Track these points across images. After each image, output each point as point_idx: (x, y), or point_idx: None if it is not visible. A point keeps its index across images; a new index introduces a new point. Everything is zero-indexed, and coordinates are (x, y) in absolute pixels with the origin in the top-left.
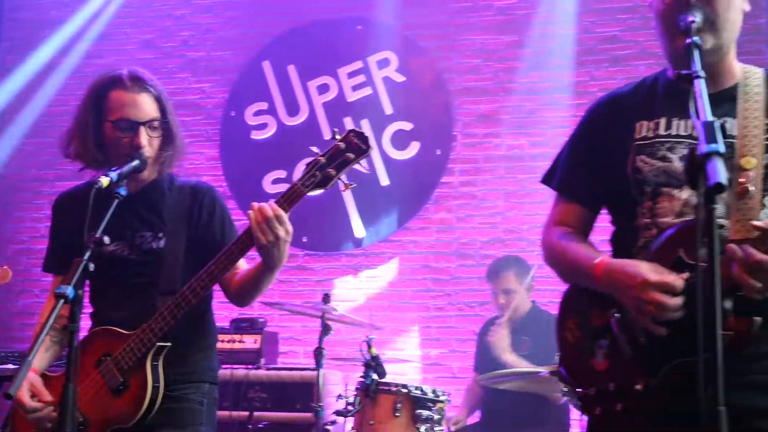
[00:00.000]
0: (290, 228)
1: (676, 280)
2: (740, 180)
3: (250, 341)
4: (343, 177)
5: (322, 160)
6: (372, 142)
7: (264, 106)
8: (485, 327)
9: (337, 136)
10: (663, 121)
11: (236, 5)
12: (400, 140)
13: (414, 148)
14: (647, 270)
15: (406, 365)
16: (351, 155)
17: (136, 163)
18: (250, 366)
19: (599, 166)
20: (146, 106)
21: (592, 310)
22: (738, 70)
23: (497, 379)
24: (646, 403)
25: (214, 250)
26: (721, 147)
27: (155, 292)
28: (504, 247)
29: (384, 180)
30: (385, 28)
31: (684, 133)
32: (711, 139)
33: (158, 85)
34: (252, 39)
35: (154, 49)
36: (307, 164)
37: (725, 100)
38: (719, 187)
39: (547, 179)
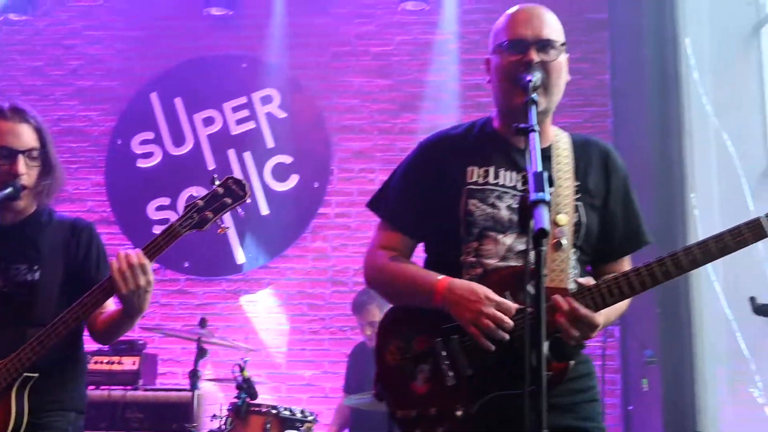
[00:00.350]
0: (152, 278)
1: (511, 304)
2: (554, 234)
3: (129, 363)
4: (220, 220)
5: (201, 203)
6: (248, 188)
7: (150, 135)
8: (356, 350)
9: (216, 182)
10: (492, 170)
11: (126, 39)
12: (281, 172)
13: (293, 180)
14: (488, 290)
15: (280, 386)
16: (229, 200)
17: (9, 190)
18: (128, 387)
19: (429, 201)
20: (25, 136)
21: (416, 335)
22: (552, 132)
23: (361, 400)
24: (466, 428)
25: (89, 286)
26: (547, 196)
27: (27, 323)
28: None
29: (264, 209)
30: (270, 66)
31: (509, 184)
32: (540, 188)
33: (39, 117)
34: (141, 71)
35: (43, 76)
36: (186, 206)
37: (542, 158)
38: (543, 233)
39: (374, 205)
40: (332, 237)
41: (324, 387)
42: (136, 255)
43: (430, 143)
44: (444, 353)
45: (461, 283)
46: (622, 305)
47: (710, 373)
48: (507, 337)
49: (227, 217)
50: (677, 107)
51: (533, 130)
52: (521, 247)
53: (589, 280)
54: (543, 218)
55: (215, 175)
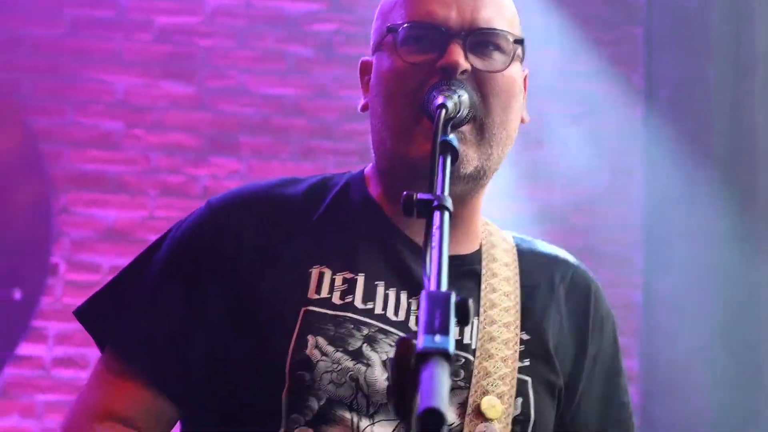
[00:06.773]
0: None
1: None
2: None
3: None
4: None
5: None
6: None
7: None
8: None
9: None
10: (361, 281)
11: None
12: None
13: None
14: None
15: None
16: None
17: None
18: None
19: (220, 324)
20: None
21: None
22: (481, 225)
23: None
24: None
25: None
26: (450, 345)
27: None
28: None
29: None
30: None
31: (394, 317)
32: (440, 327)
33: None
34: None
35: None
36: None
37: (459, 274)
38: (435, 418)
39: (96, 313)
40: (44, 408)
41: None
42: None
43: (229, 204)
44: None
45: None
46: None
47: None
48: None
49: None
50: None
51: (442, 207)
52: None
53: None
54: (435, 388)
55: None
